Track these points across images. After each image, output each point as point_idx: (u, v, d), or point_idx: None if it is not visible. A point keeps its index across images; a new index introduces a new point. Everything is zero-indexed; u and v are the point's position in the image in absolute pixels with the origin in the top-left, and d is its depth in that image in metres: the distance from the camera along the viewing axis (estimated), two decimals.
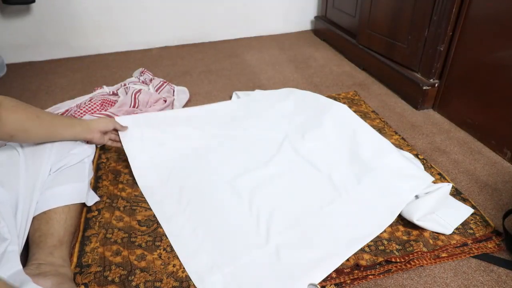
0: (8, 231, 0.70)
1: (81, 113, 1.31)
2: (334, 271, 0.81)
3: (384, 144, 1.11)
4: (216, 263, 0.83)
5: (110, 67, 1.93)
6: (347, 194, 1.00)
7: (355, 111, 1.44)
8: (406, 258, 0.83)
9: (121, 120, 1.10)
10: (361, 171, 1.06)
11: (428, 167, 1.14)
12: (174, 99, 1.47)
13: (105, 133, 1.03)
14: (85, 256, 0.86)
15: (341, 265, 0.83)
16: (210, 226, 0.93)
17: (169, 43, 2.22)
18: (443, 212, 0.94)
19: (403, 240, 0.89)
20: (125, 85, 1.54)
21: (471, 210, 0.96)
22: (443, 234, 0.90)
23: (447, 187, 0.94)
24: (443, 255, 0.86)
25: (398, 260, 0.83)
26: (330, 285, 0.79)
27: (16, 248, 0.70)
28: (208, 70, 1.88)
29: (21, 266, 0.68)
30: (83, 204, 0.97)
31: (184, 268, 0.83)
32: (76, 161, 0.93)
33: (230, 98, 1.57)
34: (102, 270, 0.83)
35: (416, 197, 0.97)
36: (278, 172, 1.10)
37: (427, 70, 1.43)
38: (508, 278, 0.81)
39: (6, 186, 0.76)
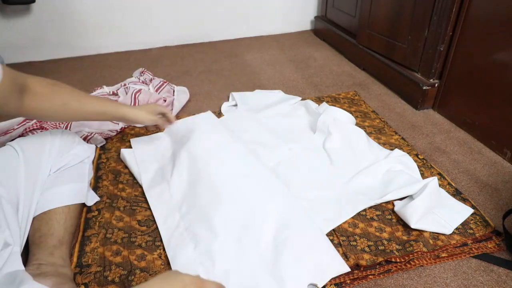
0: (11, 235, 0.69)
1: None
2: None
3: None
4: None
5: (110, 67, 1.93)
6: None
7: (355, 111, 1.45)
8: (406, 258, 0.83)
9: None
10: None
11: (428, 167, 1.14)
12: (174, 99, 1.47)
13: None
14: (85, 256, 0.86)
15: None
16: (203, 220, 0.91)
17: (169, 43, 2.22)
18: (443, 212, 0.94)
19: (403, 240, 0.89)
20: (125, 85, 1.54)
21: (471, 210, 0.96)
22: (443, 234, 0.90)
23: (433, 181, 0.95)
24: (443, 255, 0.86)
25: (398, 260, 0.83)
26: (330, 285, 0.79)
27: (18, 249, 0.70)
28: (208, 70, 1.88)
29: (23, 267, 0.68)
30: (83, 204, 0.97)
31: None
32: (76, 161, 0.93)
33: (229, 98, 1.57)
34: (102, 270, 0.83)
35: (411, 197, 0.98)
36: (280, 171, 1.11)
37: (427, 70, 1.43)
38: (508, 278, 0.81)
39: (6, 187, 0.76)
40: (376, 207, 0.99)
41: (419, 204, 0.91)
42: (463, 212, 0.96)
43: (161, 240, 0.90)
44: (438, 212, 0.94)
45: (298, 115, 1.41)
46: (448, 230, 0.90)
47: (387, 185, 1.03)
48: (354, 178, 1.07)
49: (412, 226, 0.89)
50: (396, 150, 1.16)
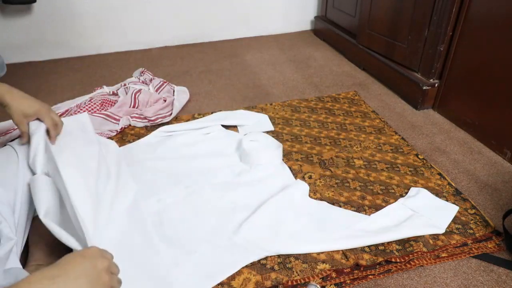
0: (11, 231, 0.70)
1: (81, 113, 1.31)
2: (334, 271, 0.81)
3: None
4: None
5: (110, 67, 1.93)
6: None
7: (355, 111, 1.45)
8: (406, 258, 0.83)
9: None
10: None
11: (428, 167, 1.14)
12: (174, 99, 1.47)
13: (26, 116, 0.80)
14: None
15: (341, 265, 0.83)
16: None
17: (169, 43, 2.22)
18: (430, 214, 0.94)
19: (403, 240, 0.89)
20: (125, 85, 1.54)
21: (457, 208, 0.97)
22: (443, 234, 0.90)
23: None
24: (443, 255, 0.86)
25: (398, 260, 0.83)
26: (330, 285, 0.79)
27: (15, 248, 0.70)
28: (208, 70, 1.88)
29: (20, 265, 0.68)
30: None
31: None
32: None
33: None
34: None
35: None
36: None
37: (427, 70, 1.43)
38: (508, 278, 0.81)
39: (5, 187, 0.75)
40: (375, 207, 0.99)
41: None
42: (450, 210, 0.96)
43: None
44: (426, 214, 0.94)
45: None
46: (441, 230, 0.90)
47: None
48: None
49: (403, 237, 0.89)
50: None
